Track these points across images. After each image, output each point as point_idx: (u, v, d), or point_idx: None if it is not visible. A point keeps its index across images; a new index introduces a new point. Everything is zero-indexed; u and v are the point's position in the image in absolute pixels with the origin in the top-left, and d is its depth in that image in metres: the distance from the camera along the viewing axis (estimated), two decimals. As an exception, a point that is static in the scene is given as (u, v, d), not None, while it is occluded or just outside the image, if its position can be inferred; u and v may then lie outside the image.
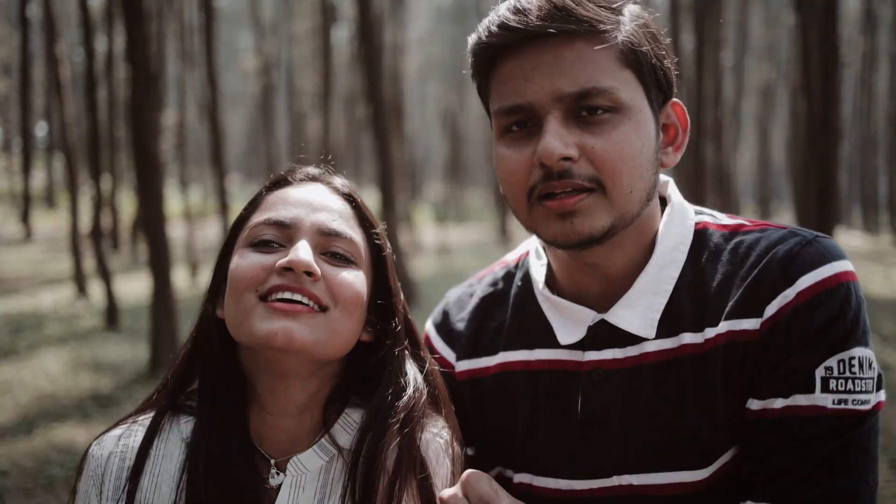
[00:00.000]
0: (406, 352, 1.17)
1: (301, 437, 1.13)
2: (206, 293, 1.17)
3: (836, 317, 1.02)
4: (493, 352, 1.24)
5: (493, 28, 1.06)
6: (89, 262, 13.82)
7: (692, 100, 21.85)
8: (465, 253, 22.35)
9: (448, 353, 1.29)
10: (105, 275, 10.64)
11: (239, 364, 1.14)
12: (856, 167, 38.97)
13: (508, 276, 1.29)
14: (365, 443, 1.09)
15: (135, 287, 13.38)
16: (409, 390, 1.13)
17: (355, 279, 1.11)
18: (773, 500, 1.02)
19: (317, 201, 1.14)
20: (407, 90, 36.89)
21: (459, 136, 37.61)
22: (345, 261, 1.11)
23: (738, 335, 1.06)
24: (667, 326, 1.10)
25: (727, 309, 1.07)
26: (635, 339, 1.11)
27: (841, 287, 1.03)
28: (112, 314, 10.51)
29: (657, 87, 1.11)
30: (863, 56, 33.20)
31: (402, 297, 1.20)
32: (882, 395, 1.04)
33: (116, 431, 1.16)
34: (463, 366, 1.27)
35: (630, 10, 1.10)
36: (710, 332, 1.08)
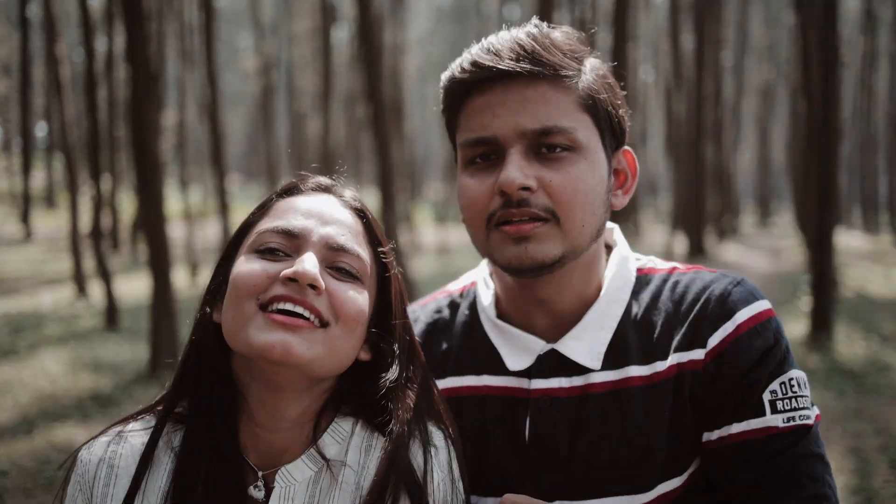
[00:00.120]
0: (407, 378, 1.15)
1: (290, 448, 1.11)
2: (204, 295, 1.15)
3: (772, 346, 1.16)
4: (441, 376, 1.28)
5: (467, 65, 1.17)
6: (89, 262, 13.82)
7: (692, 100, 21.87)
8: (464, 253, 22.34)
9: None
10: (105, 275, 10.64)
11: (232, 372, 1.12)
12: (856, 167, 38.98)
13: (453, 305, 1.36)
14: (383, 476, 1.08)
15: (135, 287, 13.38)
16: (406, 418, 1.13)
17: (359, 297, 1.09)
18: None
19: (328, 214, 1.12)
20: (407, 90, 36.90)
21: (459, 136, 37.54)
22: (350, 277, 1.09)
23: (685, 366, 1.16)
24: (612, 359, 1.19)
25: (674, 343, 1.18)
26: (582, 370, 1.19)
27: (771, 321, 1.18)
28: (112, 314, 10.51)
29: (611, 133, 1.21)
30: (863, 56, 33.20)
31: (407, 318, 1.18)
32: (817, 410, 1.18)
33: (106, 437, 1.14)
34: None
35: (591, 61, 1.20)
36: (659, 366, 1.17)
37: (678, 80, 23.55)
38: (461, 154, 1.20)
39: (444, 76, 1.22)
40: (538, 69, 1.12)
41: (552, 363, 1.21)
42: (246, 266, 1.07)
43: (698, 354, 1.16)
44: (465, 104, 1.18)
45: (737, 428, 1.13)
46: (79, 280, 13.06)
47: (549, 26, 1.20)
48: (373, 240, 1.15)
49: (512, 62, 1.12)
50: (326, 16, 23.82)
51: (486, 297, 1.30)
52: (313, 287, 1.03)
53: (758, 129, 43.95)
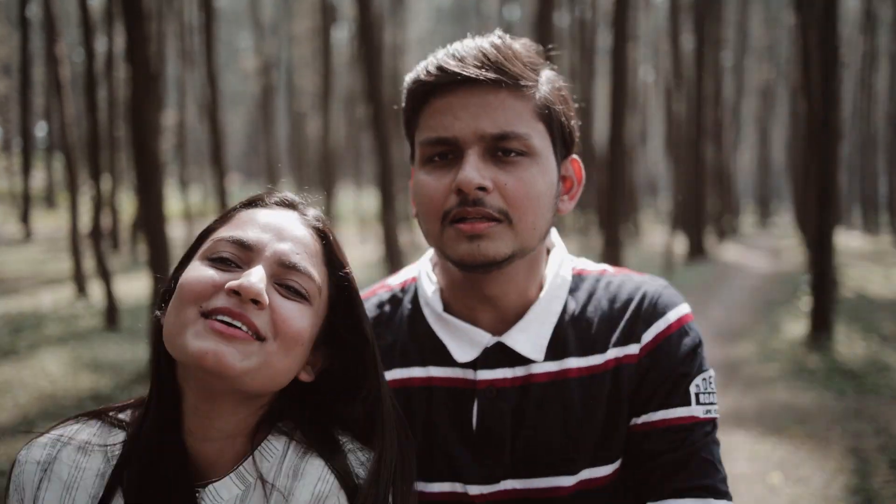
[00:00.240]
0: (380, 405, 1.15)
1: (219, 462, 1.09)
2: (158, 299, 1.14)
3: (697, 344, 1.30)
4: (387, 368, 1.32)
5: (433, 69, 1.23)
6: (89, 262, 13.81)
7: (692, 100, 21.86)
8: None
9: None
10: (105, 275, 10.63)
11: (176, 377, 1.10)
12: (856, 167, 38.98)
13: (394, 299, 1.41)
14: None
15: (135, 287, 13.38)
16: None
17: (301, 316, 1.07)
18: (675, 494, 1.22)
19: (286, 230, 1.11)
20: (407, 90, 36.82)
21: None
22: (298, 296, 1.08)
23: (622, 360, 1.28)
24: (553, 351, 1.28)
25: (613, 339, 1.29)
26: (525, 361, 1.28)
27: (692, 321, 1.32)
28: (112, 314, 10.50)
29: (562, 142, 1.29)
30: (863, 56, 33.20)
31: (371, 342, 1.17)
32: None
33: (44, 439, 1.12)
34: None
35: (547, 73, 1.28)
36: (596, 359, 1.28)
37: (678, 80, 23.54)
38: (420, 151, 1.26)
39: (409, 78, 1.28)
40: (500, 77, 1.19)
41: (498, 355, 1.28)
42: (194, 273, 1.06)
43: (633, 349, 1.27)
44: (427, 105, 1.24)
45: (665, 414, 1.25)
46: (79, 280, 13.06)
47: (510, 38, 1.27)
48: (331, 261, 1.14)
49: (476, 69, 1.19)
50: (326, 16, 23.83)
51: (430, 291, 1.36)
52: (256, 302, 1.02)
53: (758, 129, 43.95)
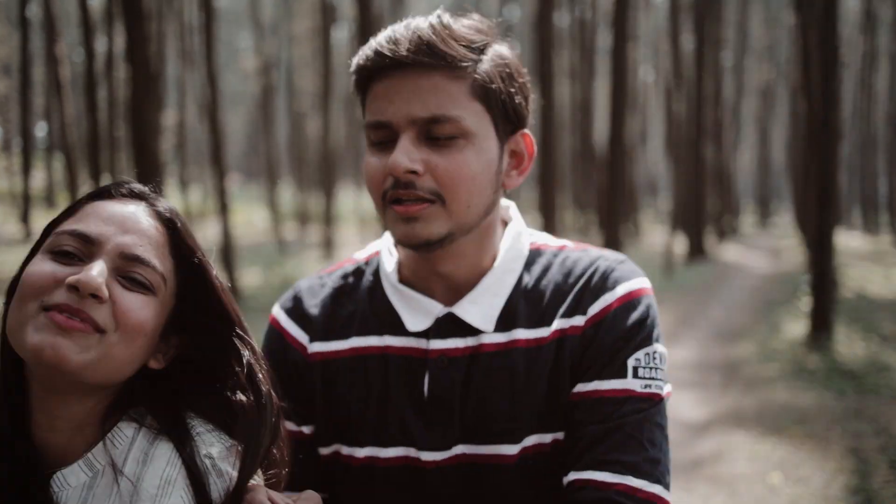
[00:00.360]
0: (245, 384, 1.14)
1: (71, 453, 1.08)
2: (6, 293, 1.13)
3: (644, 319, 1.28)
4: (346, 337, 1.37)
5: (370, 53, 1.26)
6: (89, 262, 13.73)
7: (692, 100, 21.85)
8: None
9: (301, 336, 1.40)
10: (105, 275, 10.62)
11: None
12: (856, 167, 38.97)
13: (358, 272, 1.45)
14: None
15: (135, 287, 13.35)
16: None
17: (144, 307, 1.07)
18: (593, 466, 1.21)
19: (130, 222, 1.10)
20: (407, 90, 36.77)
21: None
22: (141, 287, 1.08)
23: (567, 331, 1.29)
24: (502, 323, 1.31)
25: (560, 311, 1.30)
26: (475, 332, 1.30)
27: (646, 297, 1.31)
28: (112, 314, 10.50)
29: (505, 119, 1.29)
30: (863, 56, 33.19)
31: (234, 321, 1.16)
32: (670, 387, 1.31)
33: None
34: (315, 347, 1.39)
35: (495, 49, 1.28)
36: (544, 331, 1.29)
37: (678, 80, 23.54)
38: (365, 134, 1.30)
39: (353, 61, 1.30)
40: (431, 61, 1.20)
41: (449, 325, 1.31)
42: (36, 266, 1.06)
43: (579, 321, 1.28)
44: (369, 89, 1.27)
45: (599, 385, 1.25)
46: (79, 280, 13.05)
47: (453, 16, 1.28)
48: (179, 250, 1.14)
49: (409, 53, 1.20)
50: (326, 16, 23.85)
51: (390, 265, 1.39)
52: (95, 296, 1.02)
53: (758, 129, 43.96)
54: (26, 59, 22.06)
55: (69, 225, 1.10)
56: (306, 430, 1.37)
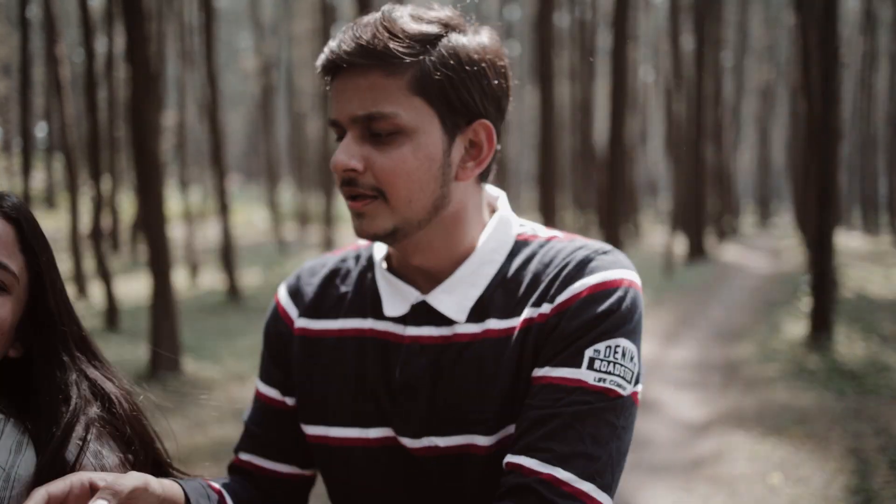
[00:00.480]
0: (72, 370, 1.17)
1: None
2: None
3: (613, 310, 1.21)
4: (334, 317, 1.40)
5: (323, 55, 1.28)
6: (89, 263, 13.81)
7: (692, 100, 21.85)
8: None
9: (291, 310, 1.45)
10: (105, 275, 10.64)
11: None
12: (856, 167, 38.97)
13: (356, 257, 1.48)
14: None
15: (135, 287, 13.37)
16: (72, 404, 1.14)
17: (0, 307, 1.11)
18: (525, 451, 1.17)
19: None
20: (407, 90, 36.79)
21: (459, 136, 37.58)
22: None
23: (534, 319, 1.25)
24: (476, 314, 1.30)
25: (531, 300, 1.27)
26: (449, 321, 1.30)
27: (621, 288, 1.23)
28: (112, 315, 10.51)
29: (451, 111, 1.26)
30: (863, 56, 33.20)
31: (69, 314, 1.20)
32: (639, 388, 1.23)
33: None
34: (301, 323, 1.42)
35: (448, 40, 1.26)
36: (515, 321, 1.27)
37: (678, 80, 23.54)
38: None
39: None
40: (367, 61, 1.21)
41: (424, 313, 1.31)
42: None
43: (546, 309, 1.25)
44: (330, 87, 1.31)
45: (550, 371, 1.21)
46: (79, 280, 13.06)
47: (403, 7, 1.28)
48: (29, 247, 1.16)
49: (347, 55, 1.22)
50: (326, 16, 23.83)
51: (380, 252, 1.42)
52: None
53: (758, 129, 43.95)
54: (26, 59, 22.05)
55: None
56: (289, 401, 1.40)
